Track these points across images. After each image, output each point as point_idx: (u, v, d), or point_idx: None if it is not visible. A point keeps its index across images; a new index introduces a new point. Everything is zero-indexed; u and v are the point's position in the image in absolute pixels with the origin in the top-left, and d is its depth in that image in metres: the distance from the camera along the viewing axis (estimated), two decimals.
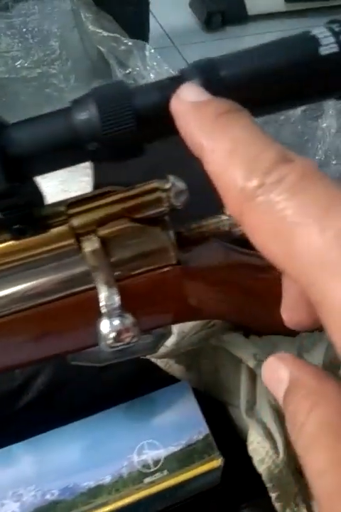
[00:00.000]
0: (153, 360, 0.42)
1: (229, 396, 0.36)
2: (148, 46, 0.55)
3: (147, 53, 0.55)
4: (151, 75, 0.56)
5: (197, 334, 0.36)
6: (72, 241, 0.23)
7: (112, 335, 0.23)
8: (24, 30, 0.71)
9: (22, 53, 0.71)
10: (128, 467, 0.32)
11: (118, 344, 0.23)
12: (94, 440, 0.33)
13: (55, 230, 0.23)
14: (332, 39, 0.18)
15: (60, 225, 0.23)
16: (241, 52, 0.19)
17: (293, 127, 0.54)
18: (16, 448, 0.33)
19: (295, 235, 0.11)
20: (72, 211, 0.23)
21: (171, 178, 0.24)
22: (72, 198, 0.24)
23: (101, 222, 0.23)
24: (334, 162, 0.50)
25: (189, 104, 0.16)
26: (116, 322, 0.23)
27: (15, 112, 0.76)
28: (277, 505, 0.32)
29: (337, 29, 0.18)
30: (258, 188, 0.12)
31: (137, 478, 0.31)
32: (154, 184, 0.23)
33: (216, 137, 0.14)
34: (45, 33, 0.71)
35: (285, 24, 1.29)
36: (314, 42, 0.18)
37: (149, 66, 0.55)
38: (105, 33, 0.59)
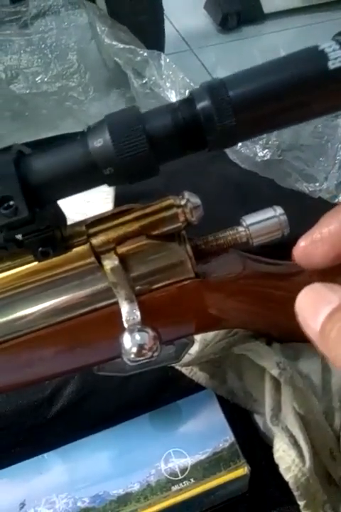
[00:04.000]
0: (178, 367, 0.42)
1: (254, 404, 0.36)
2: (163, 56, 0.56)
3: (162, 63, 0.55)
4: (167, 84, 0.57)
5: (220, 343, 0.36)
6: (92, 259, 0.24)
7: (134, 349, 0.24)
8: (43, 46, 0.73)
9: (42, 68, 0.73)
10: (155, 475, 0.32)
11: (140, 358, 0.24)
12: (122, 449, 0.34)
13: (76, 250, 0.24)
14: (340, 52, 0.18)
15: (81, 244, 0.24)
16: (250, 70, 0.19)
17: (312, 128, 0.54)
18: (48, 456, 0.34)
19: None
20: (91, 230, 0.24)
21: (186, 194, 0.24)
22: (91, 218, 0.25)
23: (120, 240, 0.24)
24: None
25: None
26: (138, 337, 0.24)
27: (38, 125, 0.78)
28: None
29: None
30: None
31: (165, 486, 0.32)
32: (169, 201, 0.24)
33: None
34: (63, 47, 0.72)
35: (302, 20, 1.27)
36: (322, 56, 0.18)
37: (165, 75, 0.56)
38: (121, 45, 0.60)
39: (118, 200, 0.55)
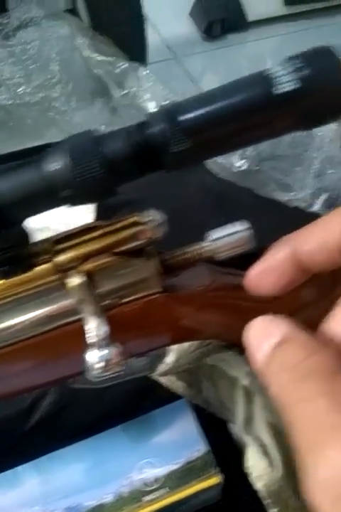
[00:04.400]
0: (155, 377, 0.43)
1: (228, 413, 0.37)
2: (141, 68, 0.56)
3: (141, 74, 0.56)
4: (147, 95, 0.57)
5: (194, 353, 0.37)
6: (56, 276, 0.24)
7: (100, 365, 0.24)
8: (25, 57, 0.73)
9: (24, 79, 0.74)
10: (128, 486, 0.33)
11: (105, 374, 0.24)
12: (96, 460, 0.34)
13: (40, 268, 0.24)
14: (285, 78, 0.19)
15: (46, 262, 0.24)
16: (201, 96, 0.19)
17: (289, 138, 0.54)
18: (22, 469, 0.34)
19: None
20: (57, 248, 0.25)
21: (151, 211, 0.25)
22: (57, 235, 0.25)
23: (85, 257, 0.25)
24: (329, 171, 0.51)
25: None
26: (104, 352, 0.24)
27: (22, 135, 0.78)
28: None
29: (291, 68, 0.19)
30: None
31: (137, 496, 0.32)
32: (133, 219, 0.24)
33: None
34: (44, 58, 0.73)
35: (286, 28, 1.29)
36: (268, 81, 0.19)
37: (144, 86, 0.57)
38: (100, 57, 0.61)
39: (100, 210, 0.55)
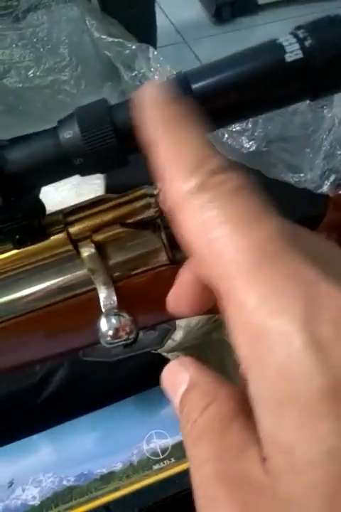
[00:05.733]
0: (164, 354, 0.43)
1: None
2: (151, 49, 0.56)
3: (150, 55, 0.56)
4: (155, 76, 0.58)
5: (202, 328, 0.37)
6: (70, 247, 0.25)
7: (110, 332, 0.25)
8: (35, 40, 0.73)
9: (34, 62, 0.74)
10: (138, 455, 0.34)
11: (116, 340, 0.25)
12: (106, 430, 0.35)
13: (53, 238, 0.25)
14: (296, 46, 0.19)
15: (59, 232, 0.25)
16: (212, 64, 0.20)
17: (299, 120, 0.54)
18: (37, 438, 0.36)
19: (219, 237, 0.13)
20: (69, 219, 0.25)
21: (159, 184, 0.25)
22: (68, 208, 0.26)
23: (96, 228, 0.25)
24: (339, 152, 0.50)
25: (152, 100, 0.16)
26: (113, 320, 0.25)
27: (32, 119, 0.79)
28: None
29: (301, 36, 0.19)
30: (195, 188, 0.13)
31: (146, 465, 0.33)
32: (142, 191, 0.25)
33: (167, 133, 0.15)
34: (54, 41, 0.73)
35: (296, 11, 1.27)
36: (280, 49, 0.19)
37: (153, 68, 0.57)
38: (110, 39, 0.61)
39: (109, 192, 0.56)
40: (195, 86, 0.19)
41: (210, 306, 0.18)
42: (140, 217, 0.25)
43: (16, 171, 0.20)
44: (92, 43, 0.72)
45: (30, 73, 0.74)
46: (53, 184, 0.24)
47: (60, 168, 0.21)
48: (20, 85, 0.76)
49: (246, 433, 0.13)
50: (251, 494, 0.12)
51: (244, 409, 0.14)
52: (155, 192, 0.25)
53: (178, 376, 0.16)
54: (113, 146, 0.20)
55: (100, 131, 0.20)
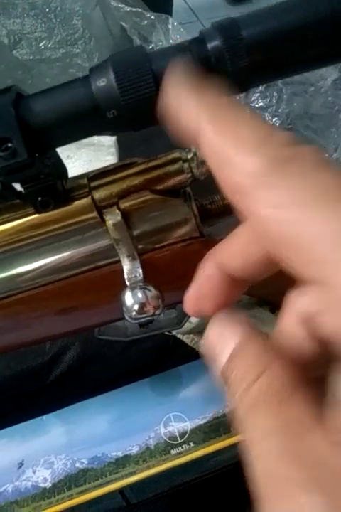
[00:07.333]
0: (179, 336, 0.42)
1: None
2: (171, 19, 0.54)
3: (170, 26, 0.54)
4: None
5: None
6: (94, 214, 0.23)
7: (135, 307, 0.23)
8: (47, 10, 0.71)
9: (45, 34, 0.72)
10: (155, 438, 0.32)
11: (142, 316, 0.23)
12: (121, 412, 0.34)
13: (77, 203, 0.23)
14: None
15: (83, 197, 0.23)
16: (264, 10, 0.18)
17: (324, 98, 0.52)
18: (48, 418, 0.34)
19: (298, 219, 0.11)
20: (93, 184, 0.23)
21: (193, 148, 0.23)
22: (93, 171, 0.24)
23: (123, 194, 0.23)
24: None
25: (183, 87, 0.14)
26: (139, 294, 0.23)
27: None
28: None
29: None
30: (264, 166, 0.12)
31: (164, 449, 0.32)
32: (176, 154, 0.23)
33: (219, 119, 0.13)
34: (67, 12, 0.70)
35: None
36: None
37: (172, 40, 0.54)
38: (127, 8, 0.58)
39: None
40: (245, 32, 0.17)
41: (234, 303, 0.17)
42: (171, 182, 0.23)
43: (42, 123, 0.18)
44: (107, 14, 0.69)
45: (42, 45, 0.72)
46: (64, 159, 0.22)
47: (90, 121, 0.19)
48: (31, 57, 0.73)
49: (309, 409, 0.12)
50: (332, 482, 0.10)
51: (304, 384, 0.12)
52: (189, 156, 0.23)
53: (228, 331, 0.14)
54: (151, 98, 0.18)
55: (138, 79, 0.17)
